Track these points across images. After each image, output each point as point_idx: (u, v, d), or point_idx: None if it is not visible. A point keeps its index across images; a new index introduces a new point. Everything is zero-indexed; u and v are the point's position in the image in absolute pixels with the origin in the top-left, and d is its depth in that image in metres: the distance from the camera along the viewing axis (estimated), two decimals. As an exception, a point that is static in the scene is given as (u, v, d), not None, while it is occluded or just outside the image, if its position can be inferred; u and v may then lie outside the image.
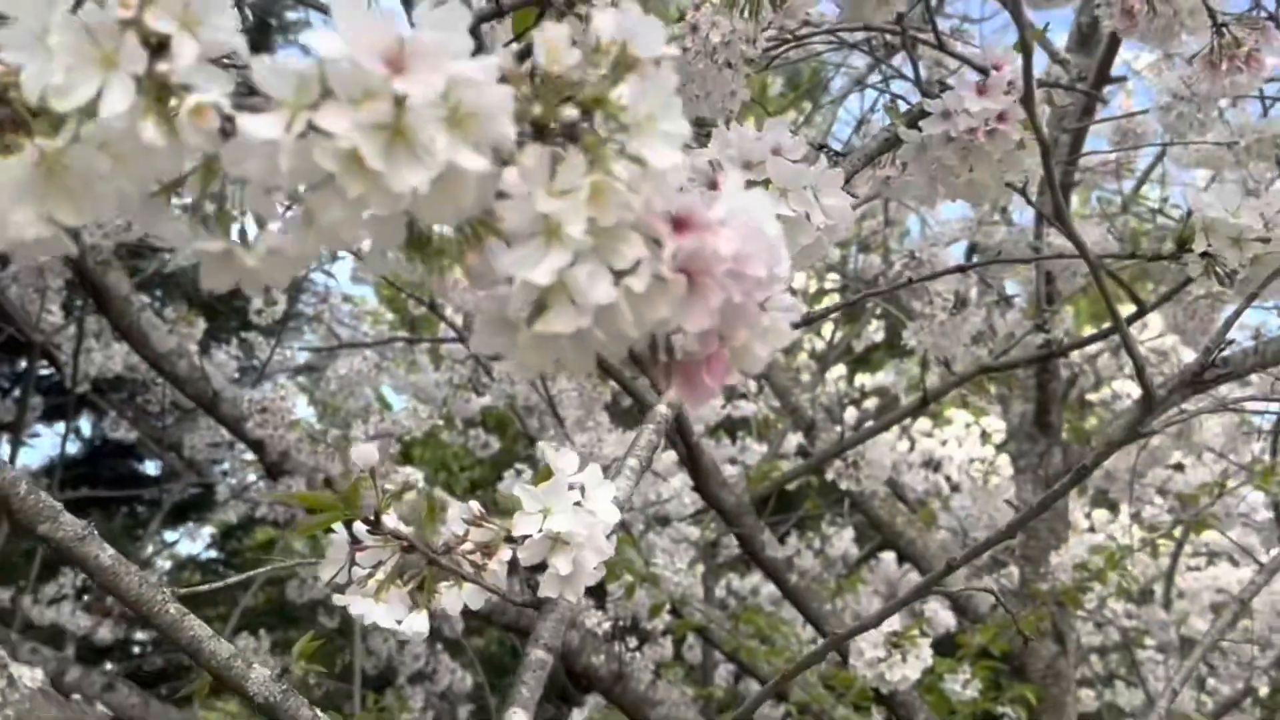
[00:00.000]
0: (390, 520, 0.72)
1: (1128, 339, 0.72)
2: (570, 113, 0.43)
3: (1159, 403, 0.71)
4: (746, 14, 1.05)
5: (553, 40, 0.43)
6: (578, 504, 0.70)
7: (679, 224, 0.45)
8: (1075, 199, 3.87)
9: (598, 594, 2.56)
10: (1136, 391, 3.03)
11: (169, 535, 4.37)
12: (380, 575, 0.70)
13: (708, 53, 1.26)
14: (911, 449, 5.29)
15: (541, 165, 0.43)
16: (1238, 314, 0.71)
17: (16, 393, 3.09)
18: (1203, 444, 3.12)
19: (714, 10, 1.24)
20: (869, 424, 2.49)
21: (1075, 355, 3.04)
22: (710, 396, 0.47)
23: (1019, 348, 2.00)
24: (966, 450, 5.39)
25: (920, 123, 0.97)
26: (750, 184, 0.85)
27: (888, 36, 1.61)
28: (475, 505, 0.75)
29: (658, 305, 0.45)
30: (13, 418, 2.95)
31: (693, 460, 2.01)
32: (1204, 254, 0.74)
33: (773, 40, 1.36)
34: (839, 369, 5.41)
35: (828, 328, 4.65)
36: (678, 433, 2.01)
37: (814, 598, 1.93)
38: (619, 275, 0.44)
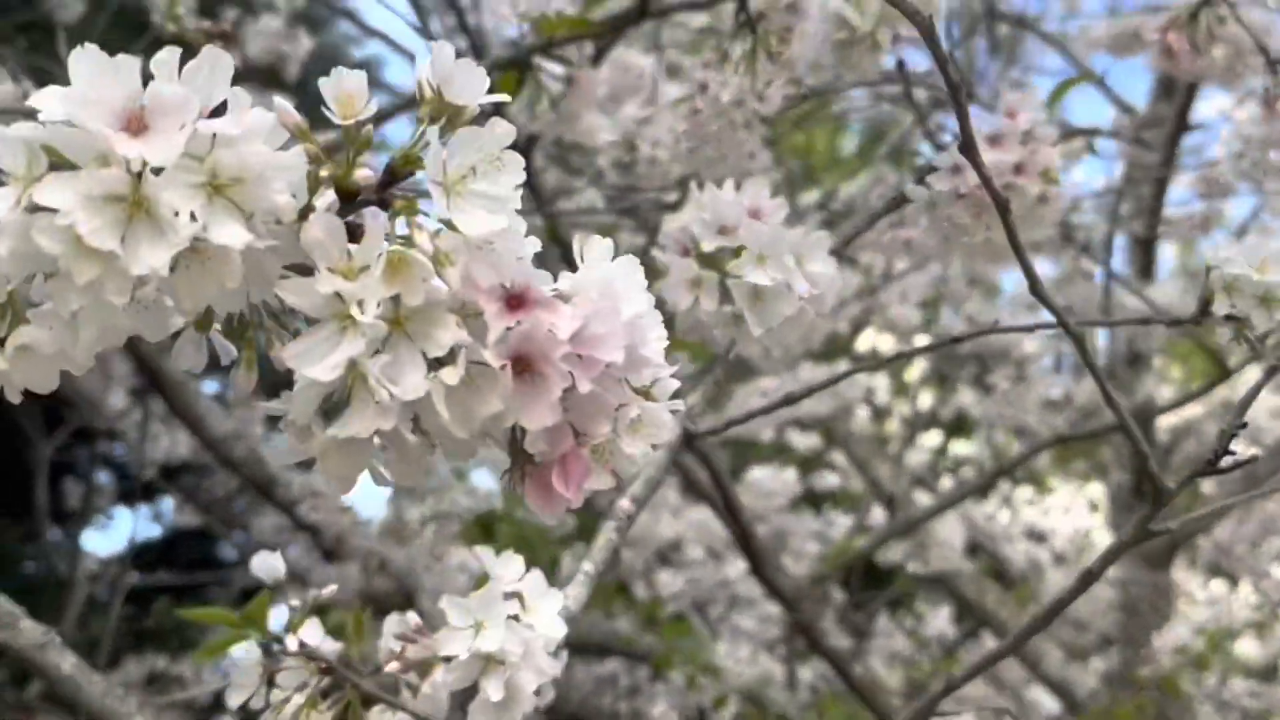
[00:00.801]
0: (312, 636, 0.65)
1: (1126, 423, 0.62)
2: (365, 174, 0.36)
3: (1170, 496, 0.61)
4: (741, 70, 0.98)
5: (345, 90, 0.37)
6: (514, 617, 0.62)
7: (514, 301, 0.38)
8: (1172, 252, 3.67)
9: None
10: (1242, 452, 2.82)
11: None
12: (298, 700, 0.63)
13: (719, 113, 1.20)
14: (1013, 520, 5.05)
15: (332, 237, 0.36)
16: (1256, 392, 0.61)
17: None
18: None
19: (721, 69, 1.17)
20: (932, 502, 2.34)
21: (1175, 419, 2.85)
22: (565, 505, 0.39)
23: (1099, 415, 1.86)
24: (1072, 521, 5.12)
25: (928, 178, 0.88)
26: (710, 255, 0.77)
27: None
28: (412, 617, 0.67)
29: (486, 398, 0.37)
30: (80, 503, 2.98)
31: (745, 542, 1.90)
32: (1228, 317, 0.63)
33: (792, 98, 1.29)
34: (934, 437, 5.22)
35: (923, 396, 4.50)
36: (728, 512, 1.91)
37: (880, 691, 1.79)
38: (439, 364, 0.37)
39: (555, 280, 0.39)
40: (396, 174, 0.38)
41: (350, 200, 0.38)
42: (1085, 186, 2.48)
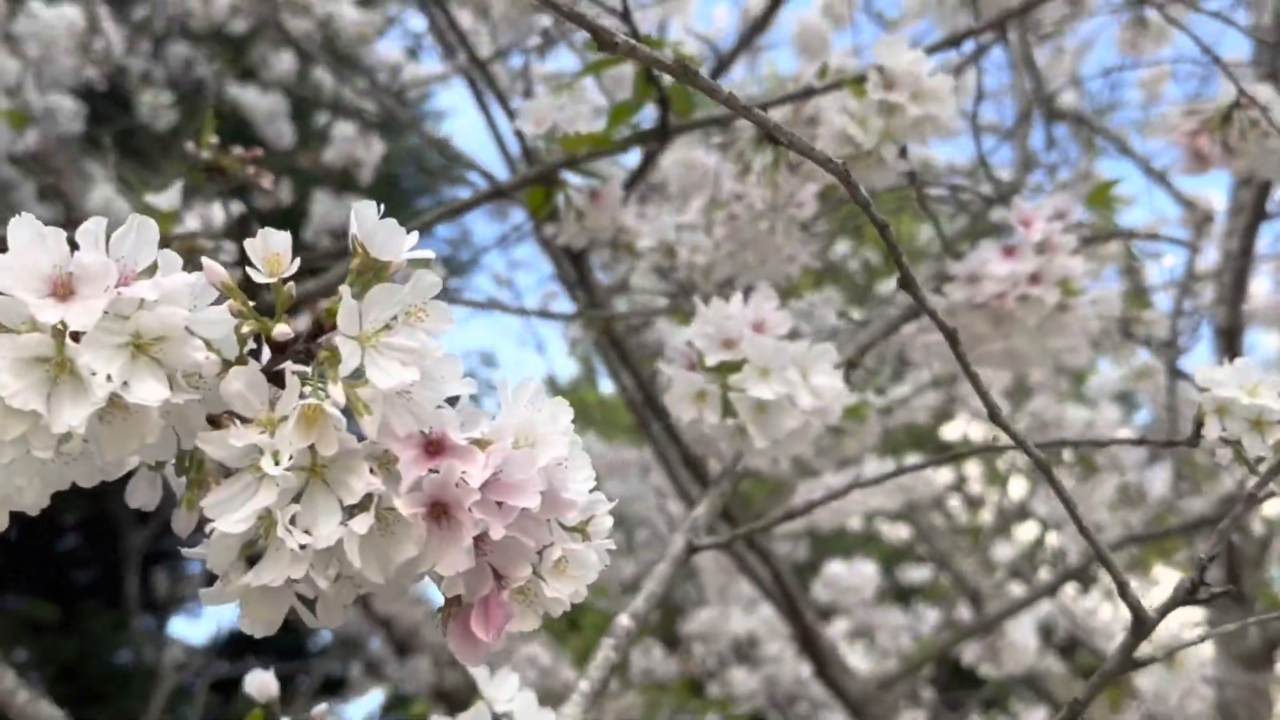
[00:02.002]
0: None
1: (1101, 552, 0.60)
2: (283, 329, 0.38)
3: (1151, 625, 0.58)
4: (762, 181, 0.99)
5: (271, 250, 0.39)
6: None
7: (433, 448, 0.39)
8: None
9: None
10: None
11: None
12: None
13: (755, 218, 1.21)
14: (1115, 615, 4.83)
15: (251, 389, 0.38)
16: (1235, 519, 0.58)
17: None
18: None
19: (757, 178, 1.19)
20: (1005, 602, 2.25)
21: (1269, 512, 2.71)
22: (485, 649, 0.40)
23: (1176, 512, 1.79)
24: (1175, 616, 4.87)
25: (944, 287, 0.87)
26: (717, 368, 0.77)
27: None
28: (481, 712, 0.65)
29: (402, 544, 0.38)
30: (169, 592, 3.06)
31: (808, 643, 1.86)
32: (1222, 440, 0.61)
33: (827, 203, 1.29)
34: (1030, 528, 5.05)
35: (1014, 485, 4.37)
36: (790, 610, 1.88)
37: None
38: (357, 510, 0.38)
39: (480, 424, 0.40)
40: (323, 325, 0.39)
41: (281, 351, 0.39)
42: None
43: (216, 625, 4.02)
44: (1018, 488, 4.22)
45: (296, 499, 0.37)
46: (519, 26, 1.46)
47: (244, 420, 0.38)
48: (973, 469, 4.89)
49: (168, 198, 0.96)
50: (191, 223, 1.46)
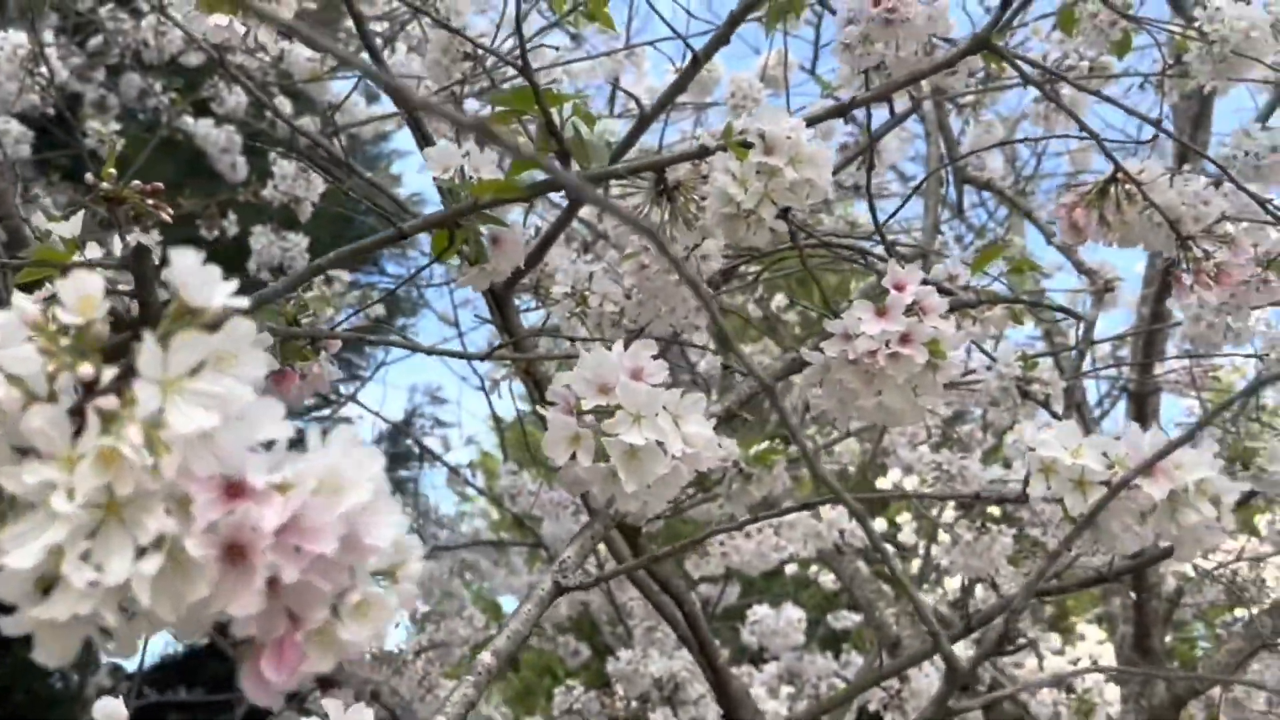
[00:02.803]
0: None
1: (914, 598, 0.62)
2: (86, 370, 0.40)
3: (964, 675, 0.61)
4: (667, 233, 1.02)
5: (84, 293, 0.40)
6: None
7: (233, 491, 0.40)
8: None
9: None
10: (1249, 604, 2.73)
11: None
12: None
13: (664, 269, 1.24)
14: (1040, 668, 4.89)
15: (52, 426, 0.39)
16: (1041, 574, 0.61)
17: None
18: None
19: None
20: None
21: (1184, 569, 2.77)
22: (276, 691, 0.41)
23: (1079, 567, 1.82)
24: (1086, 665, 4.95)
25: (821, 344, 0.90)
26: (596, 411, 0.80)
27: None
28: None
29: (194, 584, 0.40)
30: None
31: (720, 687, 1.87)
32: (1045, 499, 0.64)
33: (740, 255, 1.33)
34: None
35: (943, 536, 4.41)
36: (701, 655, 1.89)
37: None
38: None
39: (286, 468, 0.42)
40: (135, 367, 0.41)
41: (90, 391, 0.41)
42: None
43: (145, 653, 3.94)
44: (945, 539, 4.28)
45: (92, 535, 0.39)
46: (449, 71, 1.49)
47: (44, 456, 0.39)
48: (905, 519, 4.95)
49: (69, 226, 0.96)
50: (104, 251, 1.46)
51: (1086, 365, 1.75)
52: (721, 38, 1.30)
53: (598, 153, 0.92)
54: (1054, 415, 1.50)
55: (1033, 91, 2.08)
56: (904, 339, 0.88)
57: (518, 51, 1.02)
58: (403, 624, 4.17)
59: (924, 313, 0.89)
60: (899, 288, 0.89)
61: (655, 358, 0.82)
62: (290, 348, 1.09)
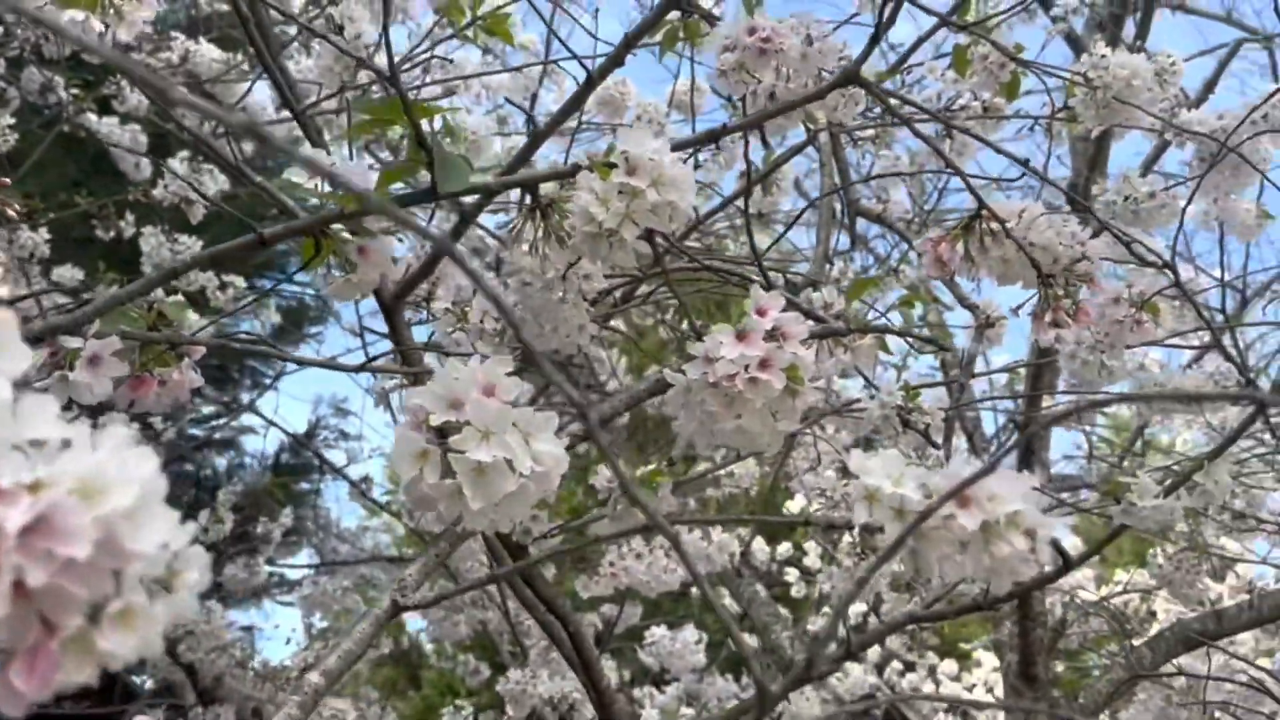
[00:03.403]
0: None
1: (733, 634, 0.62)
2: None
3: (773, 700, 0.61)
4: (539, 250, 1.02)
5: None
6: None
7: (-13, 493, 0.39)
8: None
9: None
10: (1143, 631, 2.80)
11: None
12: None
13: (545, 287, 1.23)
14: (937, 692, 4.97)
15: None
16: (848, 602, 0.62)
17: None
18: None
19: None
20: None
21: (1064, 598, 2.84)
22: (25, 700, 0.40)
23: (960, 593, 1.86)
24: (999, 694, 5.05)
25: (684, 366, 0.91)
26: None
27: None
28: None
29: (-61, 588, 0.38)
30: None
31: (603, 709, 1.86)
32: (865, 526, 0.65)
33: (624, 276, 1.33)
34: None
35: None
36: (587, 677, 1.88)
37: None
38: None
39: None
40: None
41: None
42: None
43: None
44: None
45: None
46: (341, 78, 1.47)
47: None
48: (811, 544, 4.99)
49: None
50: None
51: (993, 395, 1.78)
52: (616, 59, 1.31)
53: (464, 167, 0.91)
54: (933, 445, 1.53)
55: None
56: (763, 364, 0.89)
57: (426, 59, 1.01)
58: (293, 640, 4.08)
59: (784, 339, 0.90)
60: (761, 313, 0.90)
61: (512, 374, 0.82)
62: (150, 353, 1.06)
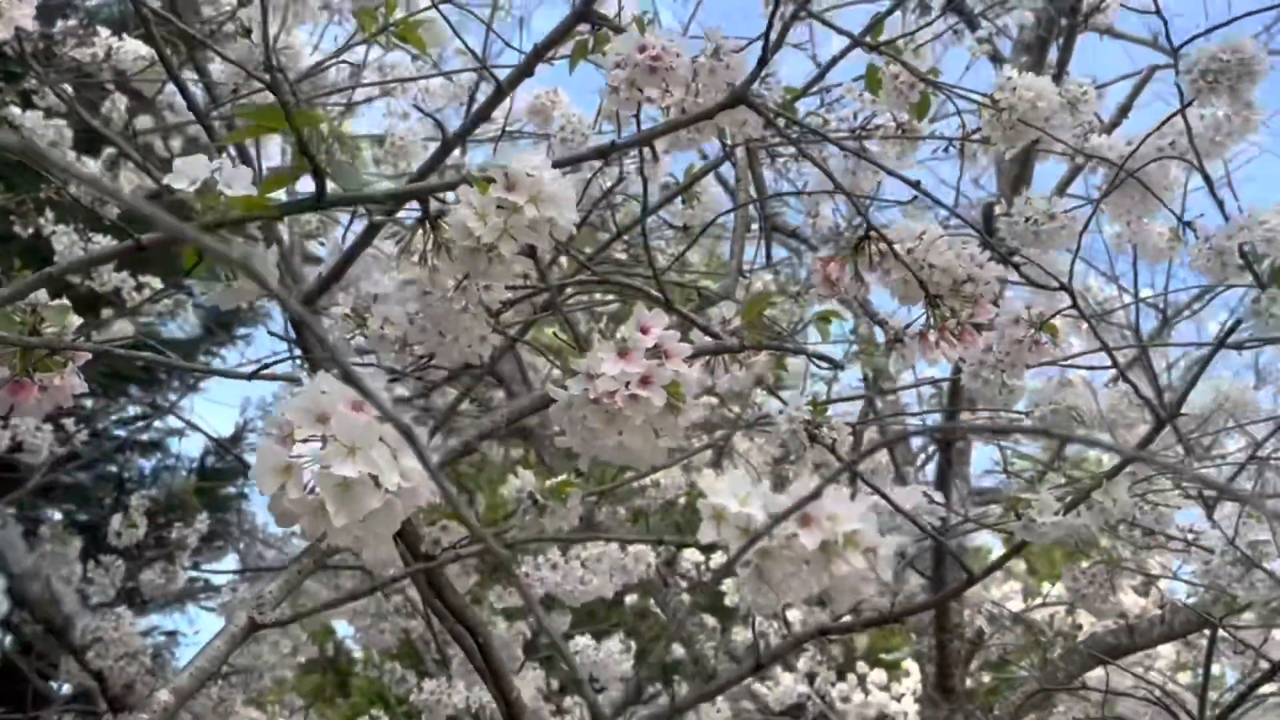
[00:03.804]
0: None
1: (565, 656, 0.62)
2: None
3: (604, 717, 0.61)
4: (429, 262, 1.01)
5: None
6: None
7: None
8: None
9: None
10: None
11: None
12: None
13: (444, 296, 1.23)
14: (865, 704, 5.01)
15: None
16: (681, 618, 0.62)
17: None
18: None
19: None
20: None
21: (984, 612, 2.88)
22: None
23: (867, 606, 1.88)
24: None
25: (567, 382, 0.91)
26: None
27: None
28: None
29: None
30: None
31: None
32: (711, 545, 0.65)
33: (525, 288, 1.33)
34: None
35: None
36: (496, 688, 1.87)
37: None
38: None
39: None
40: None
41: None
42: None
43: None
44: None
45: None
46: (250, 83, 1.45)
47: None
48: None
49: None
50: None
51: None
52: (525, 70, 1.31)
53: (353, 175, 0.91)
54: (839, 460, 1.54)
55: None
56: (644, 381, 0.89)
57: (340, 67, 1.00)
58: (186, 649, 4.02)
59: (666, 356, 0.90)
60: (644, 331, 0.90)
61: (391, 383, 0.81)
62: (31, 358, 1.04)
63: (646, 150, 1.16)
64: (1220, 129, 1.78)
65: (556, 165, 0.94)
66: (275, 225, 1.81)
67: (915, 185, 1.16)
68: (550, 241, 0.87)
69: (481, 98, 3.57)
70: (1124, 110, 2.52)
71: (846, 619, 1.81)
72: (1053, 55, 2.77)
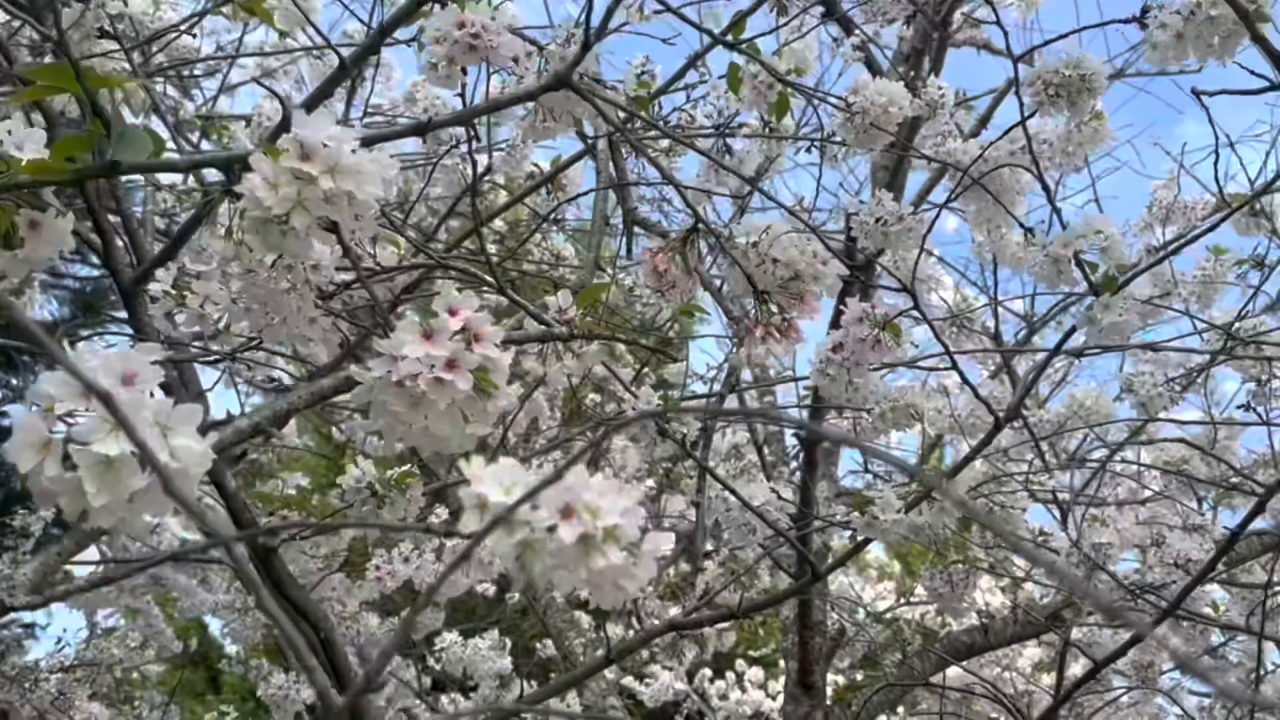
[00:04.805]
0: None
1: (293, 645, 0.60)
2: None
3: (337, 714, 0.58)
4: (236, 237, 0.97)
5: None
6: None
7: None
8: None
9: None
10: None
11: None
12: None
13: (271, 277, 1.18)
14: (742, 700, 5.06)
15: None
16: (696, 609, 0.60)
17: None
18: None
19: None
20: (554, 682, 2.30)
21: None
22: None
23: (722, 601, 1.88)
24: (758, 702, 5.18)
25: (370, 363, 0.87)
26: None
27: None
28: None
29: None
30: None
31: (354, 718, 1.80)
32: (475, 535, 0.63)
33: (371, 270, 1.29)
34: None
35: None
36: (339, 685, 1.82)
37: None
38: None
39: None
40: None
41: None
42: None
43: None
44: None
45: None
46: (81, 46, 1.38)
47: None
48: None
49: None
50: None
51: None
52: (371, 47, 1.27)
53: (139, 142, 0.86)
54: (689, 455, 1.53)
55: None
56: (450, 365, 0.86)
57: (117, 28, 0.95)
58: (64, 640, 3.85)
59: (476, 340, 0.88)
60: (452, 313, 0.87)
61: (156, 364, 0.77)
62: None
63: (476, 130, 1.13)
64: (1071, 139, 1.83)
65: (367, 141, 0.91)
66: (123, 199, 1.73)
67: (752, 182, 1.15)
68: (348, 215, 0.84)
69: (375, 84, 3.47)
70: (984, 120, 2.58)
71: (694, 616, 1.81)
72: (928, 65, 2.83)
